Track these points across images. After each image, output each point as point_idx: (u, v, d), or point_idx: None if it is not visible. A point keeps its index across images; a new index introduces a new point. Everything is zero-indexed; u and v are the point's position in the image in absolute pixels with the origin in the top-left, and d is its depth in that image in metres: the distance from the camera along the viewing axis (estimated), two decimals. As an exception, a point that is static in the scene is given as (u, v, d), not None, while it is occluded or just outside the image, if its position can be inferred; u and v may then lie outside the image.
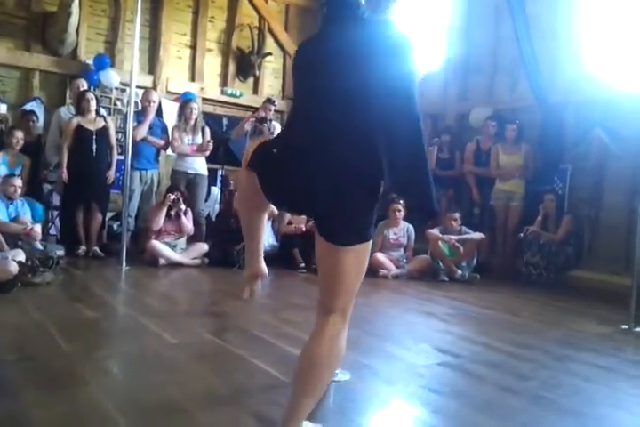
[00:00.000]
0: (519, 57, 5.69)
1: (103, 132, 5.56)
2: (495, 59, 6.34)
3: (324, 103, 1.66)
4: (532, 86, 5.66)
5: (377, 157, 1.59)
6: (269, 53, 7.96)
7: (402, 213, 5.63)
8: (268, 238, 5.70)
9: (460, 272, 5.38)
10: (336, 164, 1.61)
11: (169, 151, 6.17)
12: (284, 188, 1.70)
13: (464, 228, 5.58)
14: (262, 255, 2.07)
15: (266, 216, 2.01)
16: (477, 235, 5.54)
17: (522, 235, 5.45)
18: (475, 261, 5.55)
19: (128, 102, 5.33)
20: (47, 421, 1.84)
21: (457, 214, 5.56)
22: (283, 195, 1.74)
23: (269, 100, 6.22)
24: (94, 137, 5.47)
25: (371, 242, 1.71)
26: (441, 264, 5.45)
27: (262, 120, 5.92)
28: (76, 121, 5.46)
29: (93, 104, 5.55)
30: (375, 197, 1.66)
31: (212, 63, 7.83)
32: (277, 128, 5.90)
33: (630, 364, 2.92)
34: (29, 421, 1.83)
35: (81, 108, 5.52)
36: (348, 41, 1.67)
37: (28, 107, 6.40)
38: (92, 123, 5.52)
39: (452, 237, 5.43)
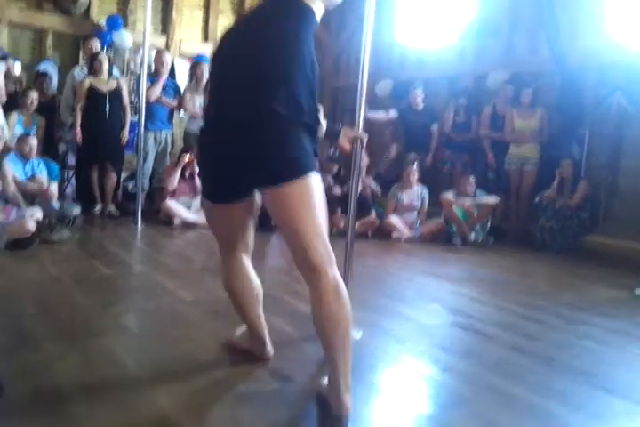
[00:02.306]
0: (539, 19, 5.53)
1: (116, 93, 5.52)
2: (514, 20, 6.16)
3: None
4: (552, 49, 5.51)
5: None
6: (284, 13, 7.81)
7: (415, 176, 5.59)
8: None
9: (473, 235, 5.37)
10: (245, 98, 1.66)
11: (182, 112, 6.14)
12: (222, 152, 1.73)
13: (479, 191, 5.54)
14: (266, 334, 2.09)
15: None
16: (492, 199, 5.49)
17: (538, 199, 5.40)
18: (489, 224, 5.53)
19: (141, 63, 5.27)
20: (67, 371, 1.90)
21: (472, 178, 5.51)
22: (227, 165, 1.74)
23: None
24: (107, 98, 5.44)
25: (313, 177, 1.67)
26: (454, 228, 5.44)
27: None
28: (88, 82, 5.42)
29: (106, 65, 5.49)
30: (294, 126, 1.66)
31: (225, 24, 7.70)
32: None
33: (642, 327, 2.92)
34: (50, 370, 1.89)
35: (93, 69, 5.49)
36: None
37: (42, 67, 6.38)
38: (105, 84, 5.48)
39: (467, 200, 5.40)
